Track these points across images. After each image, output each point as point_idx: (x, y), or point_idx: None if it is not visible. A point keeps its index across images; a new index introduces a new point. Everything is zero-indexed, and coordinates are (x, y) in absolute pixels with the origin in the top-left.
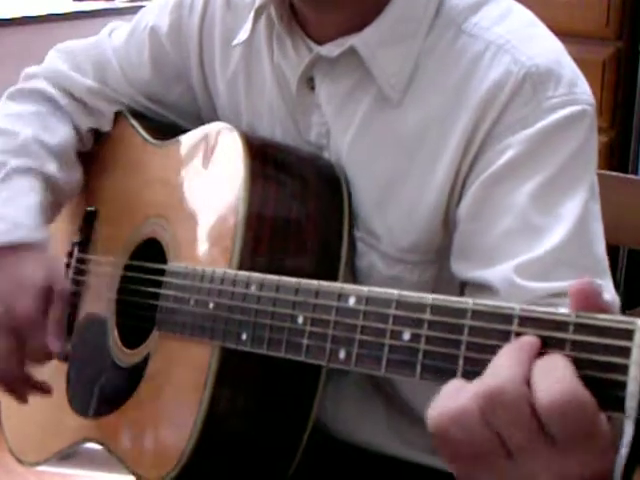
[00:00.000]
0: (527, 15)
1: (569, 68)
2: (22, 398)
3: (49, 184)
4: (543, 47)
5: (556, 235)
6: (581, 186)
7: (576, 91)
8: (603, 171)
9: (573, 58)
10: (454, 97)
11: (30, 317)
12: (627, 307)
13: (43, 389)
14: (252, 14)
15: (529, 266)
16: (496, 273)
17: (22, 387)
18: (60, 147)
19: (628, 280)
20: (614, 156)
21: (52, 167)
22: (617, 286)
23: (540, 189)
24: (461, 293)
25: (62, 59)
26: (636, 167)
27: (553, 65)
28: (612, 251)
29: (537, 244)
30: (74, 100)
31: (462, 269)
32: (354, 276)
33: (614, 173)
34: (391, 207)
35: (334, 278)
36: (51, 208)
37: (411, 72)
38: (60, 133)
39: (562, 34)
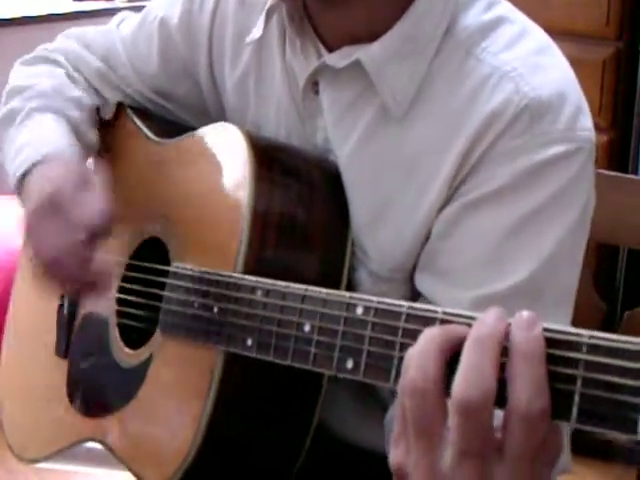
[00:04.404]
0: (539, 40)
1: (573, 102)
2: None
3: (73, 126)
4: (549, 78)
5: (521, 273)
6: (559, 225)
7: (575, 127)
8: (603, 171)
9: (573, 58)
10: (455, 120)
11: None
12: (627, 307)
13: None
14: (264, 14)
15: (487, 301)
16: (450, 299)
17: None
18: (80, 99)
19: (628, 280)
20: (614, 156)
21: (74, 113)
22: (617, 286)
23: (517, 224)
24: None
25: (72, 40)
26: (636, 167)
27: (555, 98)
28: (612, 251)
29: (500, 280)
30: (83, 79)
31: (421, 282)
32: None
33: (614, 173)
34: (382, 227)
35: (338, 281)
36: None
37: (417, 90)
38: (78, 92)
39: (562, 34)
